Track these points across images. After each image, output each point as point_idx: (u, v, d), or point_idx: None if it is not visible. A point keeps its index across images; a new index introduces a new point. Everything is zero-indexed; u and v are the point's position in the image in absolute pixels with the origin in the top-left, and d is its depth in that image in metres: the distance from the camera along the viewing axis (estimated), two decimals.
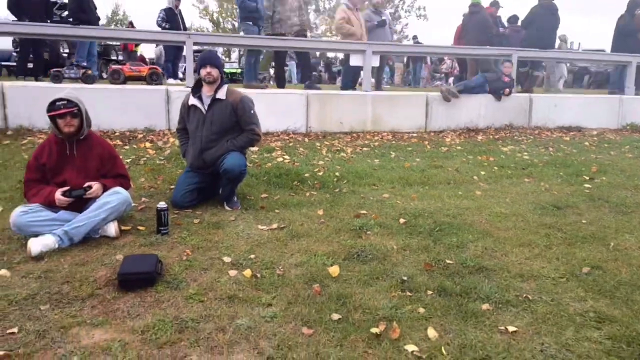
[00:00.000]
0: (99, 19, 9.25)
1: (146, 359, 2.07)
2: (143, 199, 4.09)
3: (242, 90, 4.86)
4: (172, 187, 4.27)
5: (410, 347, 2.18)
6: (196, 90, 4.07)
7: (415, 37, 20.28)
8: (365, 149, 6.47)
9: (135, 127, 6.41)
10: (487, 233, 3.64)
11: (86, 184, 3.27)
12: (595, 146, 7.34)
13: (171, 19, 9.91)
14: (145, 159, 5.31)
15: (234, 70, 16.26)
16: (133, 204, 3.70)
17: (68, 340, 2.16)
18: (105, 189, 3.34)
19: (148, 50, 19.94)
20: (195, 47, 7.56)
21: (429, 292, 2.69)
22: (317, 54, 23.60)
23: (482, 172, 5.56)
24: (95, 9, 8.95)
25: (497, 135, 7.77)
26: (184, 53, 8.43)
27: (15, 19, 8.46)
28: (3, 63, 12.02)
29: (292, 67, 17.57)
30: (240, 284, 2.72)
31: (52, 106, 3.24)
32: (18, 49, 10.32)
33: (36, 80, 8.54)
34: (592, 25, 54.61)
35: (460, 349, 2.21)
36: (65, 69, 7.30)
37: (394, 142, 6.98)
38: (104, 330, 2.25)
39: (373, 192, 4.69)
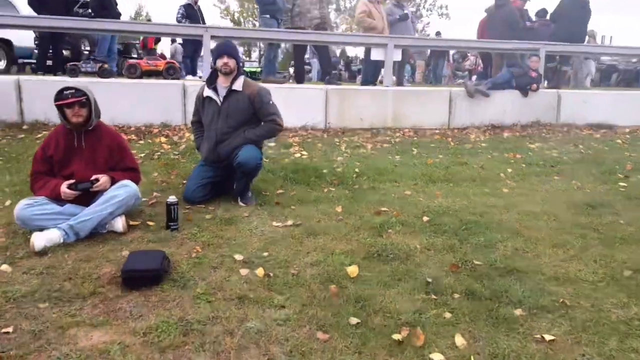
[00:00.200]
0: (120, 14, 9.21)
1: None
2: (154, 193, 3.94)
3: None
4: (185, 182, 4.12)
5: (437, 356, 1.98)
6: (211, 81, 3.91)
7: (438, 33, 19.94)
8: (385, 145, 6.25)
9: (151, 122, 6.29)
10: (516, 232, 3.40)
11: (93, 177, 3.12)
12: (628, 144, 6.98)
13: (191, 15, 9.80)
14: (159, 153, 5.18)
15: (254, 69, 16.17)
16: (143, 199, 3.56)
17: (64, 342, 2.01)
18: (113, 182, 3.19)
19: (167, 49, 20.01)
20: (213, 42, 7.42)
21: (456, 296, 2.48)
22: (337, 53, 23.42)
23: (509, 170, 5.30)
24: (116, 4, 8.91)
25: (523, 132, 7.47)
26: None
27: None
28: (26, 61, 12.09)
29: (314, 64, 17.37)
30: (252, 284, 2.54)
31: (60, 95, 3.11)
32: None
33: (54, 76, 8.52)
34: (620, 22, 53.40)
35: (491, 359, 2.00)
36: (82, 62, 7.24)
37: (415, 138, 6.74)
38: (103, 332, 2.09)
39: (394, 189, 4.47)
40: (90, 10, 8.66)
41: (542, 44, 8.54)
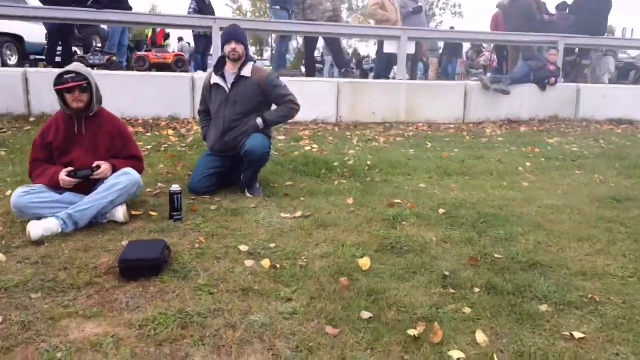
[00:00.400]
0: (131, 8, 9.12)
1: (141, 357, 1.76)
2: (159, 184, 3.80)
3: None
4: (191, 173, 3.97)
5: (456, 354, 1.81)
6: (219, 67, 3.76)
7: (452, 28, 19.72)
8: (398, 138, 6.07)
9: (159, 115, 6.17)
10: (538, 226, 3.21)
11: (94, 164, 2.99)
12: None
13: (202, 9, 9.70)
14: (166, 145, 5.05)
15: (265, 67, 16.09)
16: (147, 189, 3.43)
17: (54, 334, 1.87)
18: (114, 169, 3.05)
19: (175, 48, 19.98)
20: None
21: (476, 290, 2.31)
22: (349, 51, 23.19)
23: (528, 163, 5.09)
24: None
25: (541, 127, 7.24)
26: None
27: None
28: (37, 57, 12.06)
29: (327, 61, 17.17)
30: (257, 275, 2.38)
31: (59, 79, 2.99)
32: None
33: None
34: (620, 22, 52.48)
35: (516, 357, 1.84)
36: (89, 54, 7.15)
37: (429, 132, 6.55)
38: (96, 323, 1.95)
39: (408, 182, 4.30)
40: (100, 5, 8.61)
41: (560, 36, 8.28)
